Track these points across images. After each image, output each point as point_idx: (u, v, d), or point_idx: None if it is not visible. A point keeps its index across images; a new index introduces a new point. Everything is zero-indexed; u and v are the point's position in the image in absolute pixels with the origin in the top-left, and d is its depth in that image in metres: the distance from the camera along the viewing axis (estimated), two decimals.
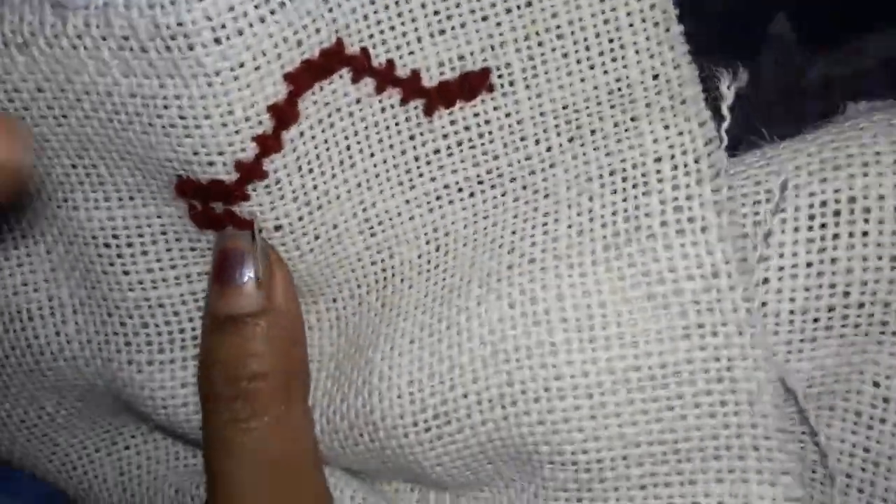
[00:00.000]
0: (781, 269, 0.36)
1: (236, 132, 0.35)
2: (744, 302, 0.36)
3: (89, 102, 0.36)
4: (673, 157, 0.36)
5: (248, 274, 0.36)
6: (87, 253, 0.40)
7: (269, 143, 0.35)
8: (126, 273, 0.39)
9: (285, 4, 0.34)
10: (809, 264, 0.36)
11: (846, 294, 0.36)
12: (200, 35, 0.33)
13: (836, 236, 0.36)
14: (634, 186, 0.37)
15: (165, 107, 0.35)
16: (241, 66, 0.34)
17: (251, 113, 0.35)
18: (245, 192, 0.36)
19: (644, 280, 0.37)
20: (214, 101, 0.34)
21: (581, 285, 0.37)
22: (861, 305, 0.36)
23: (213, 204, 0.37)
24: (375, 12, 0.36)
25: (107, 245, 0.39)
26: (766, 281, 0.37)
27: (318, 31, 0.35)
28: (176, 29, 0.33)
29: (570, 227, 0.37)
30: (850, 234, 0.36)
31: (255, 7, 0.33)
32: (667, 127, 0.36)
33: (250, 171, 0.36)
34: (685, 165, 0.36)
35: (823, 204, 0.36)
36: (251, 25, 0.33)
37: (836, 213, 0.36)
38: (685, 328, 0.36)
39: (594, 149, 0.37)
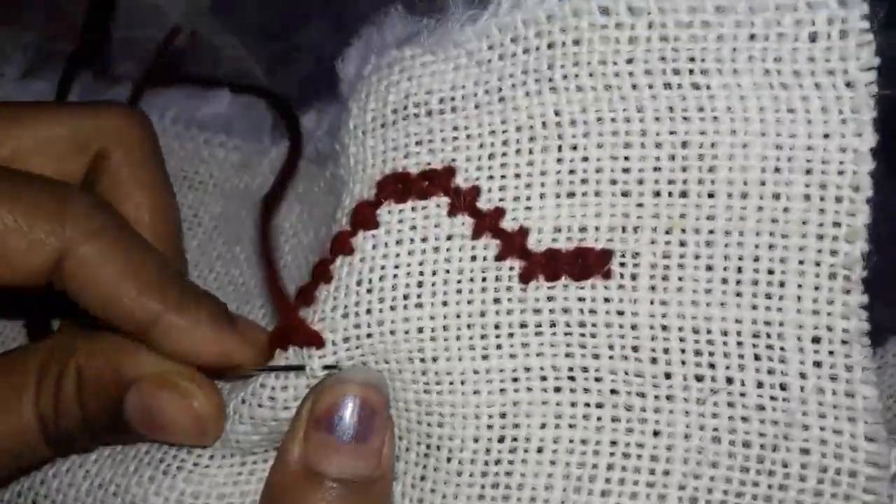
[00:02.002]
0: None
1: (334, 227, 0.34)
2: None
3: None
4: (824, 455, 0.28)
5: (371, 433, 0.31)
6: None
7: (341, 242, 0.33)
8: None
9: (408, 118, 0.33)
10: None
11: None
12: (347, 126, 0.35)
13: None
14: (771, 474, 0.28)
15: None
16: (355, 164, 0.34)
17: (345, 207, 0.33)
18: (314, 295, 0.33)
19: None
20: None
21: None
22: None
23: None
24: (504, 154, 0.31)
25: None
26: None
27: (431, 151, 0.32)
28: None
29: (682, 489, 0.29)
30: None
31: (382, 115, 0.33)
32: (823, 416, 0.28)
33: (321, 272, 0.33)
34: (837, 473, 0.28)
35: None
36: (374, 129, 0.33)
37: None
38: None
39: (728, 403, 0.29)
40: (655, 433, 0.30)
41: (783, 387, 0.28)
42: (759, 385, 0.28)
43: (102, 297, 0.31)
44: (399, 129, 0.32)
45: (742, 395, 0.28)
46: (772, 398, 0.28)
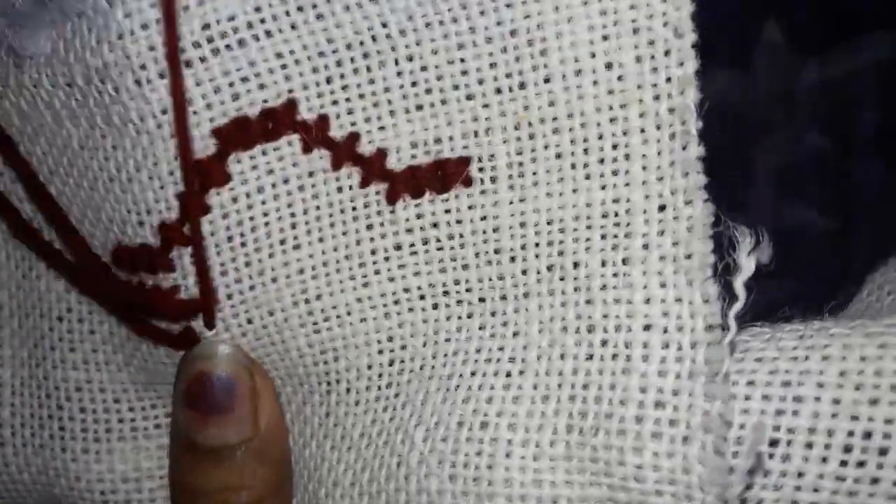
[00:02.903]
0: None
1: (161, 187, 0.31)
2: None
3: (52, 158, 0.33)
4: (665, 330, 0.27)
5: (236, 400, 0.32)
6: (40, 326, 0.37)
7: (191, 204, 0.30)
8: (72, 350, 0.36)
9: (219, 52, 0.29)
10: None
11: None
12: (122, 77, 0.29)
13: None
14: (614, 357, 0.28)
15: (106, 158, 0.31)
16: (164, 112, 0.29)
17: (175, 166, 0.30)
18: (169, 261, 0.32)
19: (605, 482, 0.27)
20: (142, 151, 0.30)
21: (534, 470, 0.28)
22: None
23: (147, 284, 0.33)
24: (342, 76, 0.30)
25: (59, 318, 0.36)
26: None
27: (262, 86, 0.30)
28: (103, 71, 0.29)
29: (535, 387, 0.29)
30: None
31: (181, 51, 0.29)
32: (663, 286, 0.27)
33: (173, 235, 0.31)
34: (678, 348, 0.27)
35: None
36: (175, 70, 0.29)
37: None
38: None
39: (574, 289, 0.29)
40: (514, 334, 0.30)
41: (626, 261, 0.28)
42: (603, 264, 0.28)
43: None
44: (212, 66, 0.29)
45: (587, 276, 0.28)
46: (614, 275, 0.28)
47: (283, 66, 0.29)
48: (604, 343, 0.28)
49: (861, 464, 0.25)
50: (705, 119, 0.26)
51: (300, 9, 0.29)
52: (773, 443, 0.26)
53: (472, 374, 0.30)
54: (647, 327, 0.27)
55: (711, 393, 0.26)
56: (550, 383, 0.29)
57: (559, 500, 0.28)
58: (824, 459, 0.25)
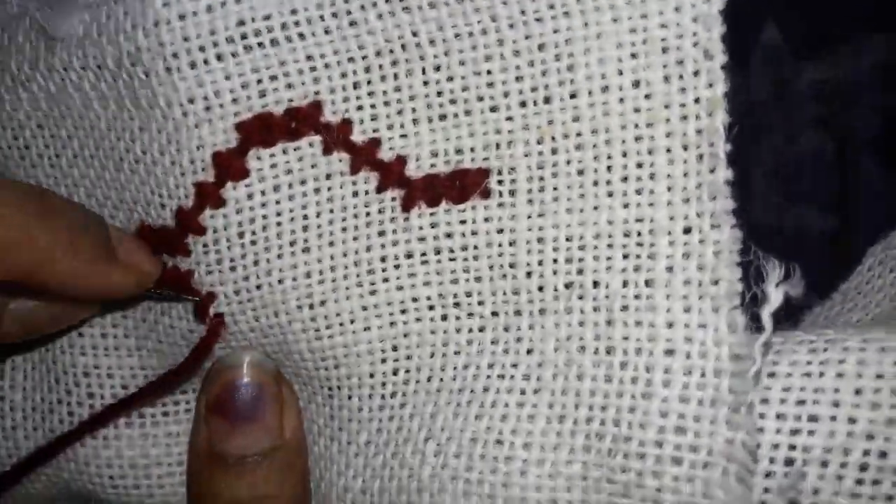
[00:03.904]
0: None
1: (181, 174, 0.31)
2: None
3: (77, 140, 0.34)
4: (688, 355, 0.26)
5: (263, 408, 0.32)
6: None
7: (208, 194, 0.31)
8: (81, 335, 0.36)
9: (252, 48, 0.29)
10: None
11: None
12: (154, 62, 0.30)
13: None
14: (634, 381, 0.27)
15: (132, 140, 0.32)
16: (191, 101, 0.30)
17: (196, 156, 0.30)
18: (186, 246, 0.32)
19: (623, 503, 0.27)
20: (167, 136, 0.31)
21: (549, 489, 0.28)
22: None
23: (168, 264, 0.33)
24: (370, 82, 0.30)
25: None
26: None
27: (289, 86, 0.30)
28: (135, 55, 0.30)
29: (551, 406, 0.28)
30: None
31: (214, 44, 0.29)
32: (687, 310, 0.27)
33: (189, 222, 0.31)
34: (701, 375, 0.26)
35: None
36: (206, 62, 0.29)
37: None
38: None
39: (594, 308, 0.28)
40: (529, 351, 0.29)
41: (648, 283, 0.27)
42: (625, 284, 0.27)
43: None
44: (243, 62, 0.30)
45: (607, 297, 0.28)
46: (636, 297, 0.27)
47: (313, 69, 0.30)
48: (623, 365, 0.27)
49: (876, 482, 0.24)
50: None
51: (335, 15, 0.29)
52: (789, 462, 0.26)
53: (485, 389, 0.29)
54: (668, 352, 0.27)
55: (735, 422, 0.25)
56: (567, 403, 0.28)
57: None
58: (840, 478, 0.25)
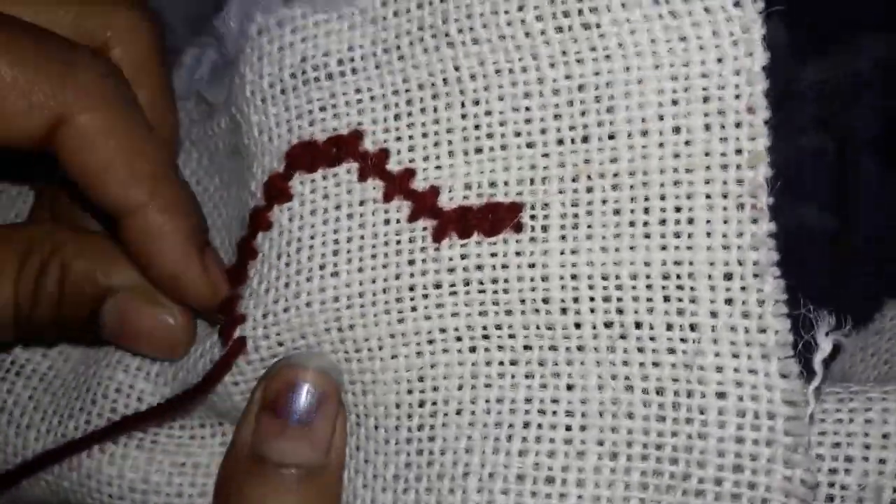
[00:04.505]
0: None
1: (246, 204, 0.33)
2: None
3: (210, 174, 0.38)
4: (741, 398, 0.27)
5: (318, 419, 0.30)
6: None
7: (259, 218, 0.33)
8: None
9: (310, 82, 0.32)
10: None
11: None
12: (238, 101, 0.33)
13: None
14: (688, 422, 0.27)
15: (230, 183, 0.36)
16: (260, 133, 0.33)
17: (259, 180, 0.33)
18: (245, 272, 0.33)
19: None
20: (245, 171, 0.34)
21: None
22: None
23: None
24: (410, 114, 0.31)
25: None
26: None
27: (336, 116, 0.31)
28: (232, 100, 0.34)
29: (600, 444, 0.28)
30: None
31: (280, 80, 0.33)
32: (735, 356, 0.27)
33: (244, 250, 0.33)
34: (755, 417, 0.27)
35: None
36: (273, 97, 0.32)
37: None
38: None
39: (638, 349, 0.28)
40: (569, 387, 0.29)
41: (693, 327, 0.27)
42: (669, 327, 0.28)
43: (92, 172, 0.30)
44: (300, 94, 0.31)
45: (651, 338, 0.28)
46: (682, 340, 0.28)
47: (359, 101, 0.31)
48: (675, 406, 0.28)
49: None
50: None
51: (386, 51, 0.31)
52: (830, 498, 0.27)
53: (525, 425, 0.29)
54: (720, 395, 0.27)
55: (793, 461, 0.26)
56: (618, 440, 0.28)
57: None
58: None
